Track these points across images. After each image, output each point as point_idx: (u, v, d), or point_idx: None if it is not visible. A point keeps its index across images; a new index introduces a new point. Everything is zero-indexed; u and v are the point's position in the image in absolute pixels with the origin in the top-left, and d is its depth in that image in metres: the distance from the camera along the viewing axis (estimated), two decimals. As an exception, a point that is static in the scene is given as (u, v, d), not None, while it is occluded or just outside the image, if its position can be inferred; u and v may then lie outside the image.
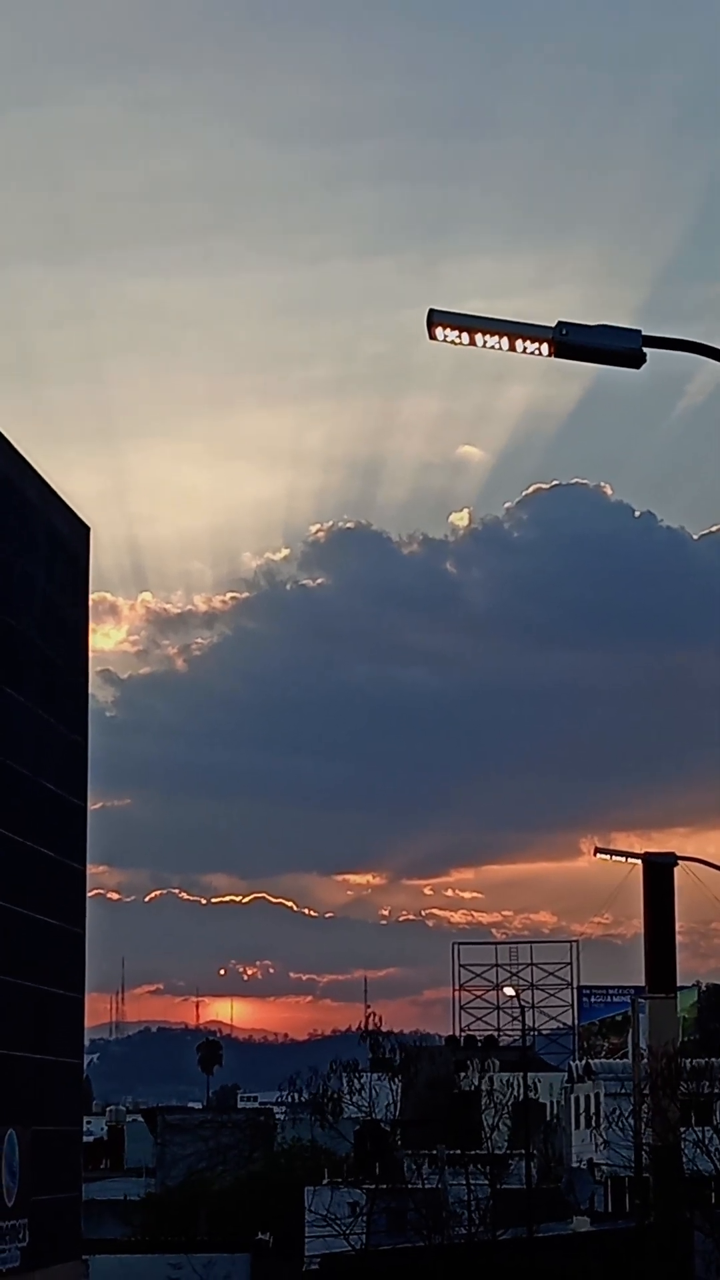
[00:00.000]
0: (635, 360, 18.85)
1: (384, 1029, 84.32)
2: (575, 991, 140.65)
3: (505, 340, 18.67)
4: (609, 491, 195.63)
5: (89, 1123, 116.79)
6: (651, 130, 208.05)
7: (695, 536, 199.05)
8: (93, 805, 42.41)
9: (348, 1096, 74.78)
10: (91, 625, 44.27)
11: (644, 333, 18.88)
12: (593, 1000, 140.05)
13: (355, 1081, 74.67)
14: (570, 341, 18.67)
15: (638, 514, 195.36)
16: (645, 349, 18.84)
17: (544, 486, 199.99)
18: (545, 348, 18.71)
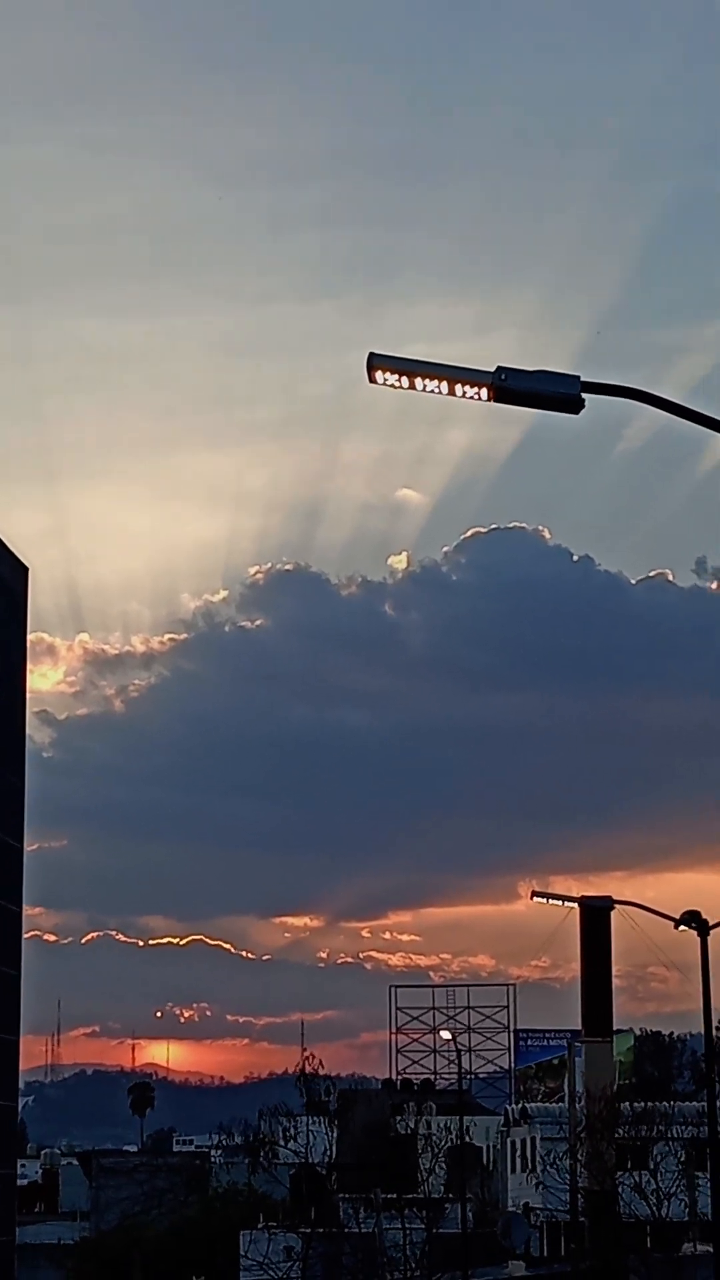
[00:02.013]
0: (574, 405, 18.91)
1: (321, 1072, 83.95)
2: (512, 1035, 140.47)
3: (445, 385, 18.70)
4: (547, 535, 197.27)
5: (23, 1166, 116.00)
6: (593, 176, 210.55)
7: (633, 581, 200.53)
8: (29, 847, 42.25)
9: (283, 1140, 74.52)
10: (29, 666, 44.16)
11: (583, 378, 18.95)
12: (530, 1044, 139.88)
13: (291, 1125, 74.44)
14: (509, 387, 18.72)
15: (576, 558, 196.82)
16: (584, 394, 18.91)
17: (483, 530, 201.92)
18: (484, 393, 18.75)
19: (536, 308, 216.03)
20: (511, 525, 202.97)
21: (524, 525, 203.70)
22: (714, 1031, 58.39)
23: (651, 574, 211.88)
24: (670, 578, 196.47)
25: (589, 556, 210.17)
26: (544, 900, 63.02)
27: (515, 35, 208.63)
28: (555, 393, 18.82)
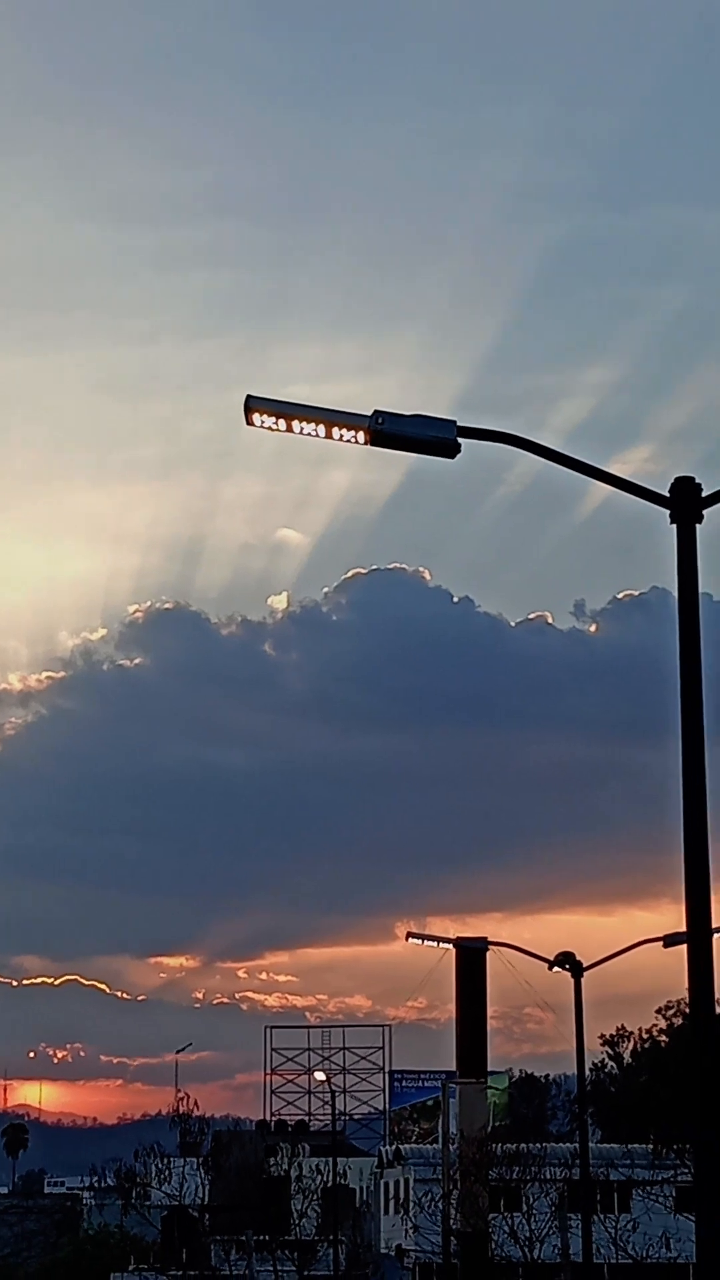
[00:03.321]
0: (450, 450, 19.06)
1: (195, 1113, 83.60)
2: (387, 1076, 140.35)
3: (322, 428, 18.80)
4: (428, 577, 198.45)
5: None
6: (475, 220, 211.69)
7: (513, 623, 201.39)
8: None
9: (156, 1182, 74.08)
10: None
11: (459, 423, 19.10)
12: (404, 1085, 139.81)
13: (164, 1167, 74.05)
14: (386, 431, 18.84)
15: (456, 599, 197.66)
16: (460, 439, 19.06)
17: (363, 570, 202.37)
18: (361, 436, 18.87)
19: (419, 350, 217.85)
20: (392, 566, 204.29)
21: (404, 566, 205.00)
22: (587, 1073, 58.61)
23: (531, 616, 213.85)
24: (549, 620, 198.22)
25: (469, 598, 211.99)
26: (419, 941, 63.08)
27: (399, 79, 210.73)
28: (431, 437, 18.96)
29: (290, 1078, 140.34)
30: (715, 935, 19.26)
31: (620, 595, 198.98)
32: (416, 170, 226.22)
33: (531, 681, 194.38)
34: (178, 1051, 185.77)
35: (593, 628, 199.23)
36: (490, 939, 64.95)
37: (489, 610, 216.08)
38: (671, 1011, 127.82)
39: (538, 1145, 74.46)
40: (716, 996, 19.07)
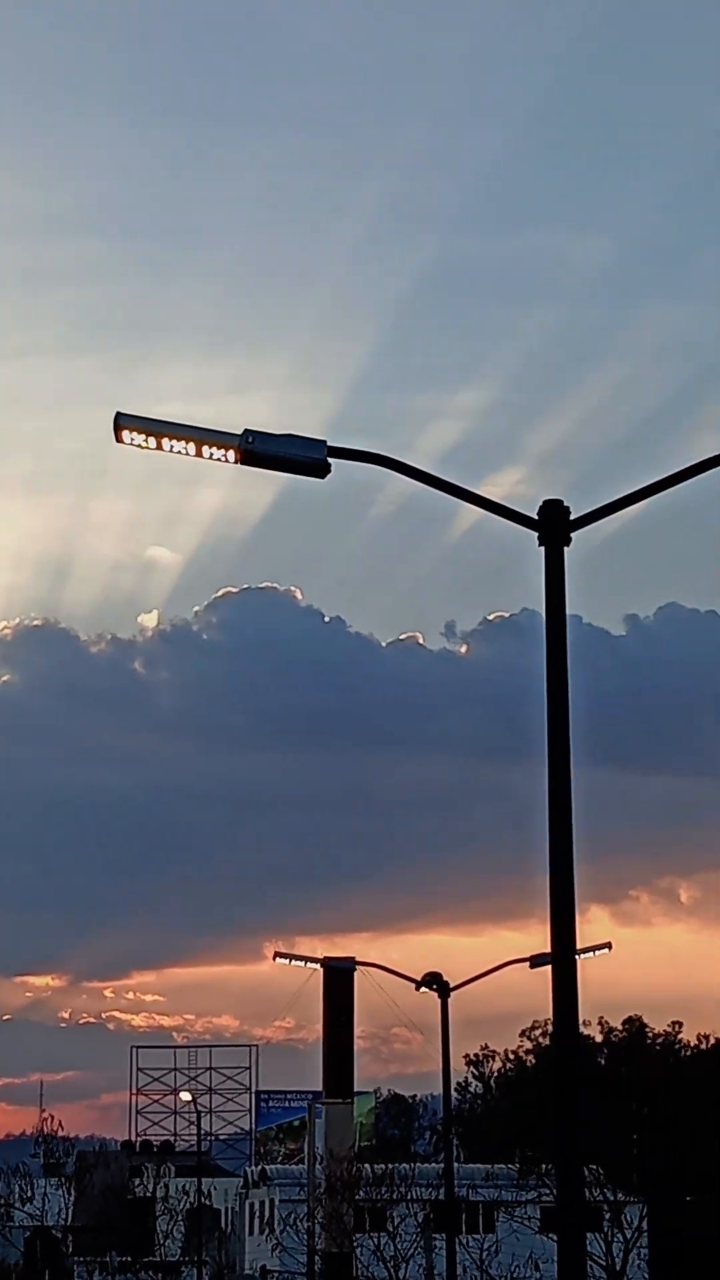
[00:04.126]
0: (320, 470, 19.07)
1: (60, 1133, 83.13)
2: (254, 1096, 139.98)
3: (192, 446, 18.77)
4: (299, 596, 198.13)
5: None
6: (348, 240, 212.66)
7: (384, 643, 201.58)
8: None
9: (19, 1203, 73.50)
10: None
11: (330, 443, 19.12)
12: (271, 1105, 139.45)
13: (27, 1187, 73.52)
14: (256, 450, 18.84)
15: (328, 619, 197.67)
16: (330, 459, 19.08)
17: (234, 589, 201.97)
18: (232, 455, 18.86)
19: (292, 369, 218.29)
20: (263, 585, 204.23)
21: (276, 586, 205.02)
22: (453, 1093, 58.71)
23: (402, 636, 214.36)
24: (420, 640, 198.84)
25: (340, 618, 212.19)
26: (287, 961, 63.02)
27: (273, 98, 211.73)
28: (302, 457, 18.96)
29: (156, 1098, 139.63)
30: (580, 956, 19.33)
31: (491, 617, 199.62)
32: (290, 189, 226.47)
33: (402, 702, 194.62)
34: None
35: (463, 649, 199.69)
36: (358, 959, 64.98)
37: (360, 630, 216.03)
38: (538, 1032, 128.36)
39: (403, 1165, 74.55)
40: (580, 1018, 19.15)
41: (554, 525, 19.30)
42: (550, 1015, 19.05)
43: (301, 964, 63.23)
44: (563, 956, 18.82)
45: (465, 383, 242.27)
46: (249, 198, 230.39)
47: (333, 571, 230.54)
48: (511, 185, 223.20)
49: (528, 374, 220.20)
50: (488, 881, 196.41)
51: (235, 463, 18.89)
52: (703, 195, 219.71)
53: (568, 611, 19.17)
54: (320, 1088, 67.29)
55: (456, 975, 55.01)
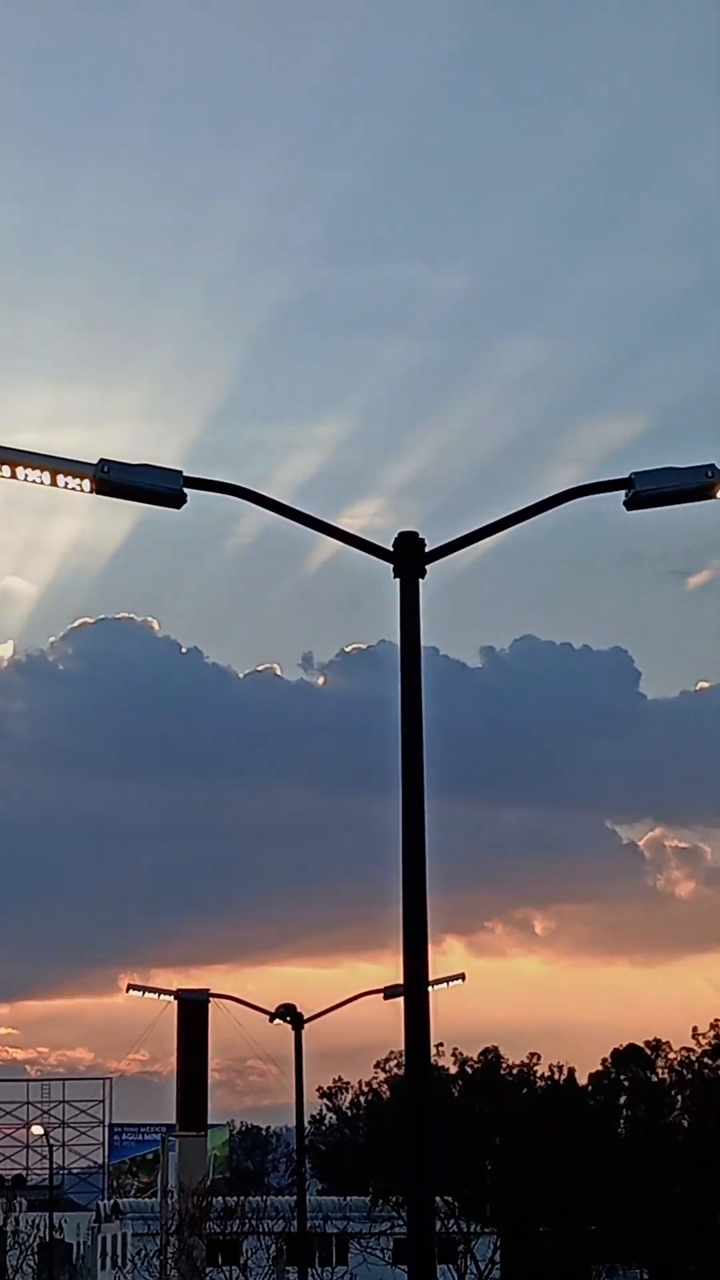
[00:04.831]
0: (176, 500, 19.07)
1: None
2: (107, 1129, 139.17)
3: (47, 475, 18.69)
4: (156, 627, 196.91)
5: None
6: (207, 270, 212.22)
7: (241, 674, 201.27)
8: None
9: None
10: None
11: (187, 473, 19.12)
12: (124, 1138, 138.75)
13: None
14: (112, 479, 18.80)
15: (185, 650, 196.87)
16: (186, 490, 19.08)
17: (90, 620, 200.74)
18: (87, 484, 18.81)
19: (150, 399, 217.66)
20: (120, 616, 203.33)
21: (133, 616, 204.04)
22: (307, 1125, 58.60)
23: (260, 668, 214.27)
24: (278, 671, 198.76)
25: (197, 648, 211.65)
26: (140, 993, 62.68)
27: (131, 127, 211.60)
28: (157, 487, 18.95)
29: (8, 1132, 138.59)
30: (433, 987, 19.36)
31: (348, 648, 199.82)
32: (148, 219, 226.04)
33: (259, 733, 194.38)
34: None
35: (320, 680, 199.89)
36: (214, 991, 64.71)
37: (217, 661, 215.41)
38: (392, 1063, 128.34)
39: (256, 1198, 74.32)
40: (435, 1049, 19.18)
41: (408, 557, 19.37)
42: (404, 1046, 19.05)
43: (155, 996, 62.89)
44: (415, 988, 18.83)
45: (323, 415, 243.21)
46: (107, 227, 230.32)
47: (190, 602, 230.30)
48: (369, 218, 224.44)
49: (385, 406, 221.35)
50: (344, 913, 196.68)
51: (91, 492, 18.84)
52: (558, 229, 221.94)
53: (425, 643, 19.23)
54: (174, 1120, 66.91)
55: (313, 1007, 55.04)
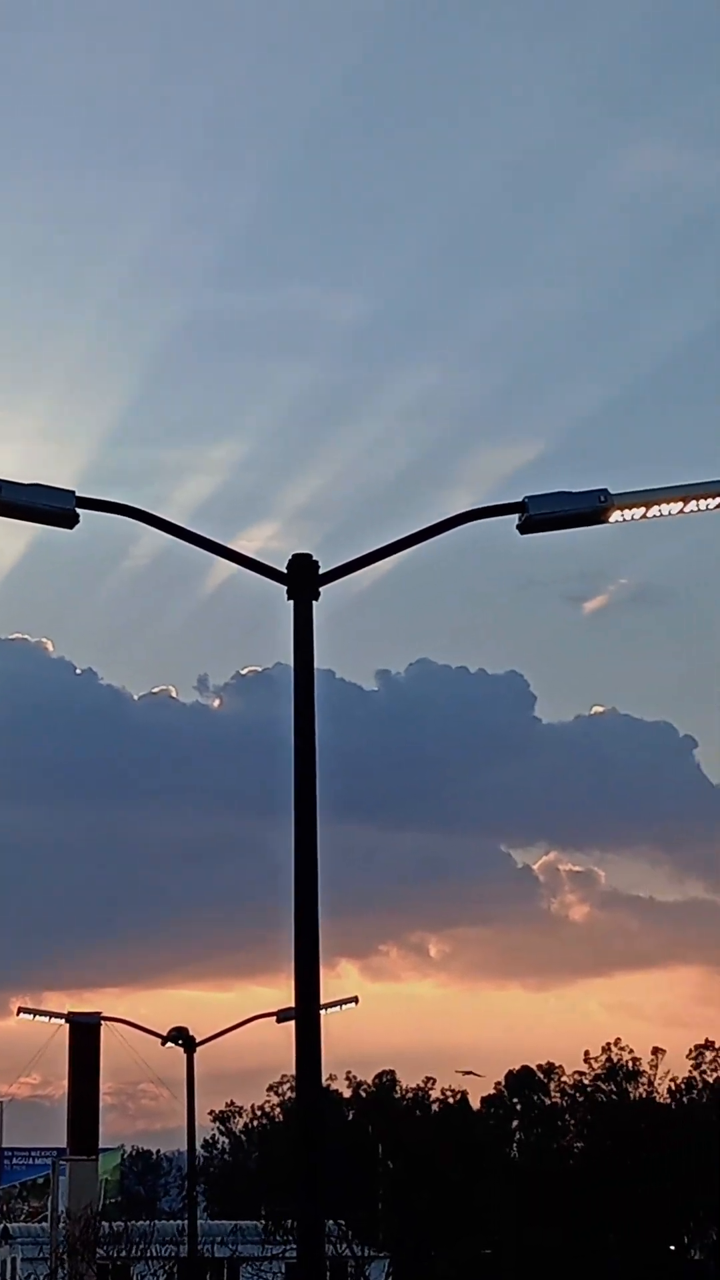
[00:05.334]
0: (68, 520, 19.00)
1: None
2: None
3: (-64, 494, 18.59)
4: (50, 648, 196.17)
5: None
6: (104, 293, 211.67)
7: (136, 696, 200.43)
8: None
9: None
10: None
11: (80, 494, 19.05)
12: (14, 1163, 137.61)
13: None
14: (3, 499, 18.71)
15: (79, 671, 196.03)
16: (79, 510, 19.01)
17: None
18: (-22, 504, 18.71)
19: (46, 421, 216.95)
20: (14, 637, 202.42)
21: (26, 637, 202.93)
22: (200, 1149, 58.39)
23: (155, 690, 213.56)
24: (173, 694, 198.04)
25: (92, 670, 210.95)
26: (31, 1016, 62.31)
27: (24, 148, 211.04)
28: (49, 507, 18.88)
29: None
30: (325, 1010, 19.33)
31: (244, 671, 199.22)
32: (43, 241, 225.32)
33: (155, 755, 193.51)
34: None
35: (216, 702, 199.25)
36: (106, 1014, 64.41)
37: (112, 682, 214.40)
38: (285, 1087, 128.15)
39: (147, 1222, 73.92)
40: (328, 1072, 19.15)
41: (302, 579, 19.36)
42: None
43: (46, 1019, 62.50)
44: (306, 1010, 18.79)
45: (220, 437, 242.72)
46: (3, 247, 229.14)
47: (85, 623, 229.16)
48: (266, 241, 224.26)
49: (282, 429, 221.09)
50: (239, 936, 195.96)
51: (-19, 512, 18.73)
52: (457, 255, 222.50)
53: (320, 666, 19.23)
54: (65, 1144, 66.52)
55: (207, 1030, 54.93)
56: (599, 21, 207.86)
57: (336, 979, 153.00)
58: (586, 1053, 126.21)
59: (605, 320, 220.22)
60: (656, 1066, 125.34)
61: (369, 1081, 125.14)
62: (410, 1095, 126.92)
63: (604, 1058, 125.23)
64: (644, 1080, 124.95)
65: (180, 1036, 53.68)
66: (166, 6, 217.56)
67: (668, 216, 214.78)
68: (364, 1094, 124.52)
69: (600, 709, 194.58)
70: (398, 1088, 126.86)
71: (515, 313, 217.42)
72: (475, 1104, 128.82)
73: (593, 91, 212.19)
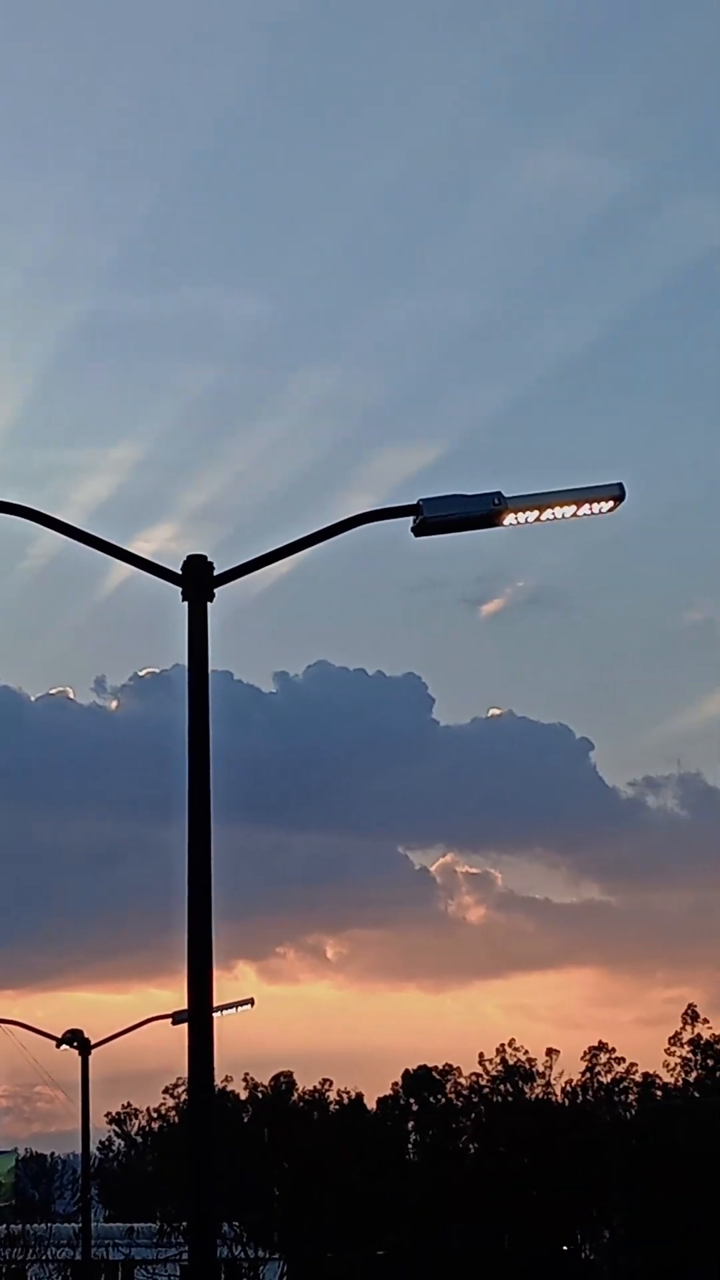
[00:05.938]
0: (-37, 520, 18.93)
1: None
2: None
3: None
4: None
5: None
6: (3, 292, 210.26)
7: (34, 698, 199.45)
8: None
9: None
10: None
11: (-26, 493, 18.96)
12: None
13: None
14: None
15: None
16: (-26, 509, 18.94)
17: None
18: None
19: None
20: None
21: None
22: (96, 1151, 58.15)
23: (52, 691, 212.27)
24: (71, 695, 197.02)
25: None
26: None
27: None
28: (-57, 506, 18.82)
29: None
30: (220, 1013, 19.32)
31: (142, 672, 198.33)
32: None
33: (52, 757, 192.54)
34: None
35: (114, 704, 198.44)
36: (1, 1016, 64.12)
37: (9, 684, 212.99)
38: (181, 1089, 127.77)
39: (42, 1225, 73.67)
40: (225, 1074, 19.15)
41: (196, 581, 19.36)
42: (188, 1071, 18.96)
43: (-60, 1022, 62.07)
44: (199, 1012, 18.79)
45: (119, 438, 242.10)
46: None
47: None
48: (166, 241, 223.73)
49: (181, 431, 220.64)
50: (136, 938, 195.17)
51: None
52: (357, 258, 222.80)
53: (218, 667, 19.25)
54: (-41, 1148, 66.20)
55: (103, 1032, 54.65)
56: (500, 26, 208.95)
57: (234, 981, 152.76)
58: (481, 1054, 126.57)
59: (505, 324, 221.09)
60: (551, 1067, 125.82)
61: (265, 1084, 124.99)
62: (307, 1097, 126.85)
63: (499, 1059, 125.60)
64: (540, 1081, 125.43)
65: (75, 1039, 53.43)
66: (66, 8, 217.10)
67: (568, 221, 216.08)
68: (260, 1095, 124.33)
69: (498, 711, 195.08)
70: (295, 1089, 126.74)
71: (415, 315, 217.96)
72: (371, 1105, 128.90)
73: (493, 96, 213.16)
